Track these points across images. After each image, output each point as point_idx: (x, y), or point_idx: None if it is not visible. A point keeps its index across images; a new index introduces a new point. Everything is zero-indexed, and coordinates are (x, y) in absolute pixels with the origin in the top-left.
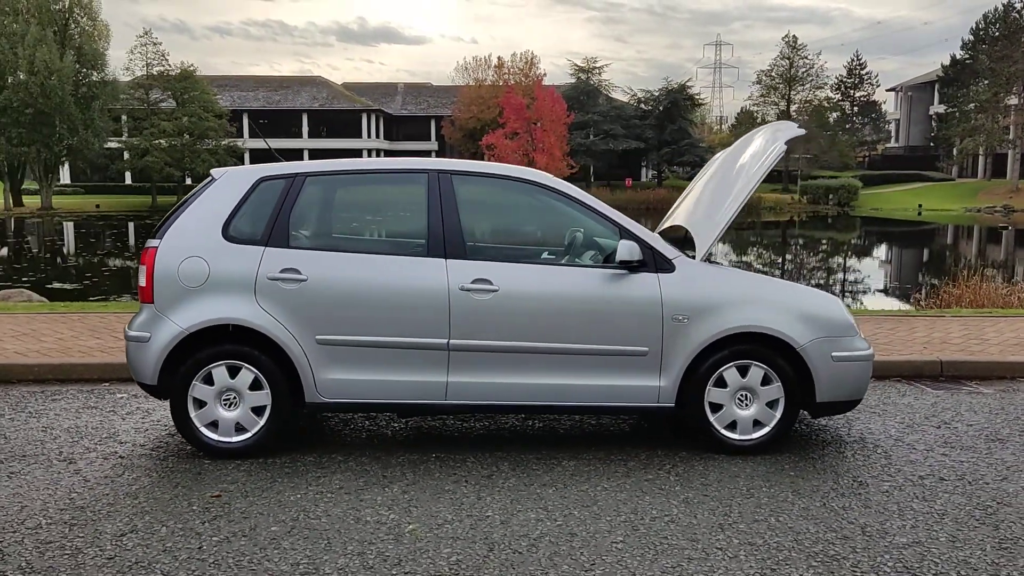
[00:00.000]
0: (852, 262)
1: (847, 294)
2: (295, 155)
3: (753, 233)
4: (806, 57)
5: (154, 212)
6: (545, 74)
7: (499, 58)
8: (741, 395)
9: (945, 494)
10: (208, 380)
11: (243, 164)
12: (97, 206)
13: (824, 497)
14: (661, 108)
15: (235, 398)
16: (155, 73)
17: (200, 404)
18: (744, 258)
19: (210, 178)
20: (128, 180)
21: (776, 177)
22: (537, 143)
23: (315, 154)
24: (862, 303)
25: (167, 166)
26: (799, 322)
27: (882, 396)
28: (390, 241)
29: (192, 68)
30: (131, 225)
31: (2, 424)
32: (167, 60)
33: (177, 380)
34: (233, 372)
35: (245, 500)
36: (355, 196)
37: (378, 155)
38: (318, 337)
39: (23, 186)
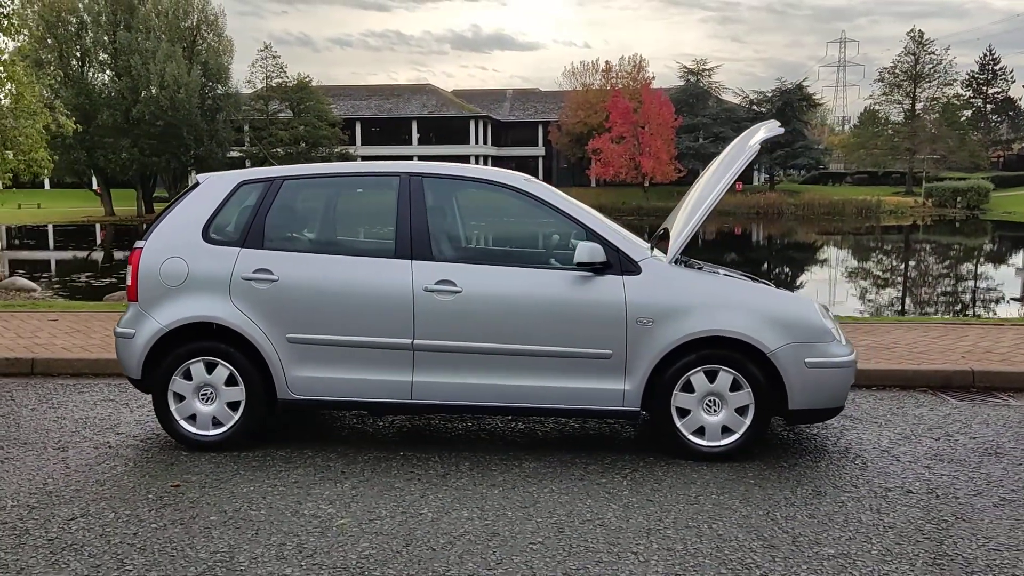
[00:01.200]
0: (985, 268)
1: (980, 303)
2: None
3: (872, 238)
4: (933, 52)
5: None
6: (654, 77)
7: (607, 62)
8: (709, 400)
9: (904, 507)
10: (187, 375)
11: None
12: None
13: (772, 506)
14: (774, 109)
15: (212, 393)
16: (274, 85)
17: (180, 398)
18: (864, 264)
19: (195, 182)
20: None
21: (899, 179)
22: (643, 147)
23: (424, 160)
24: (994, 312)
25: None
26: (770, 327)
27: (895, 406)
28: (360, 243)
29: (308, 79)
30: None
31: (22, 413)
32: (285, 72)
33: (158, 375)
34: (210, 368)
35: (200, 491)
36: (330, 199)
37: (486, 161)
38: (288, 336)
39: (154, 194)
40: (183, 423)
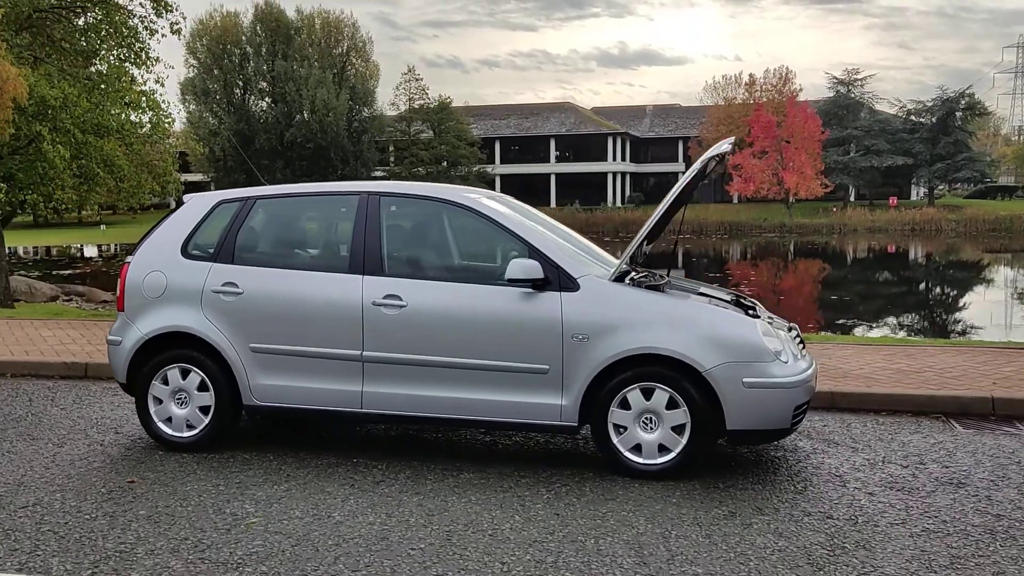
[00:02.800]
0: None
1: None
2: (543, 179)
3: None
4: None
5: None
6: (801, 89)
7: (750, 75)
8: (646, 418)
9: (809, 532)
10: (165, 380)
11: (493, 189)
12: None
13: (674, 526)
14: (934, 119)
15: (186, 397)
16: (416, 107)
17: (158, 401)
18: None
19: (181, 201)
20: None
21: None
22: (787, 161)
23: (562, 178)
24: None
25: None
26: (706, 345)
27: (889, 431)
28: (319, 258)
29: (448, 100)
30: None
31: (50, 412)
32: (427, 94)
33: (140, 379)
34: (184, 374)
35: (149, 487)
36: (298, 217)
37: (623, 177)
38: (251, 345)
39: None
40: (161, 424)
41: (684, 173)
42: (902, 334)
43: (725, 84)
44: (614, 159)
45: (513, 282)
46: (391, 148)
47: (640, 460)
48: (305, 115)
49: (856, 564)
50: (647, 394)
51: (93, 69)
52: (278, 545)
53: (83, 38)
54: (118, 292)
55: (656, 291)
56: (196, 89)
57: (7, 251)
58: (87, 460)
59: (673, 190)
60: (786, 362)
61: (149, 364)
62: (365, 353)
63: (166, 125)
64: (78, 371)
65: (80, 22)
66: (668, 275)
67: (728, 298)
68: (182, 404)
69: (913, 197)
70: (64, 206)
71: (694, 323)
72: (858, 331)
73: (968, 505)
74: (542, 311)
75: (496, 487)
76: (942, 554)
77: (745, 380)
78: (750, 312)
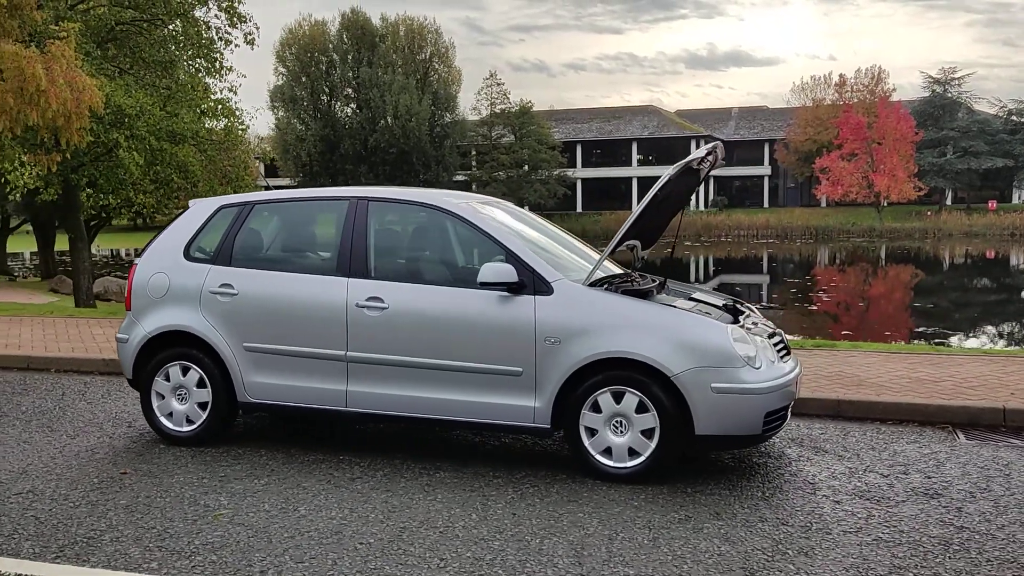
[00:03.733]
0: None
1: None
2: (624, 183)
3: None
4: None
5: None
6: (894, 89)
7: (840, 75)
8: (616, 421)
9: (756, 538)
10: (167, 377)
11: (573, 193)
12: None
13: (623, 529)
14: None
15: (185, 393)
16: (498, 111)
17: (160, 396)
18: None
19: (187, 206)
20: None
21: None
22: (877, 164)
23: (643, 181)
24: None
25: (503, 195)
26: (675, 350)
27: (885, 440)
28: (309, 261)
29: (529, 104)
30: None
31: (78, 405)
32: (508, 99)
33: (144, 375)
34: (184, 371)
35: (139, 478)
36: (293, 221)
37: (706, 181)
38: (245, 344)
39: None
40: (163, 419)
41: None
42: (1001, 344)
43: (814, 85)
44: None
45: (485, 285)
46: (473, 152)
47: (611, 463)
48: (389, 120)
49: (790, 570)
50: (617, 398)
51: (170, 79)
52: (235, 536)
53: (160, 49)
54: (126, 292)
55: (633, 296)
56: (284, 96)
57: (95, 254)
58: (92, 451)
59: (646, 197)
60: (758, 368)
61: (152, 361)
62: (349, 353)
63: (239, 132)
64: (115, 367)
65: (159, 34)
66: (665, 279)
67: (719, 303)
68: (182, 400)
69: (1015, 200)
70: (145, 210)
71: (664, 328)
72: (954, 340)
73: (934, 516)
74: (516, 314)
75: (465, 486)
76: (884, 564)
77: (714, 385)
78: (739, 318)
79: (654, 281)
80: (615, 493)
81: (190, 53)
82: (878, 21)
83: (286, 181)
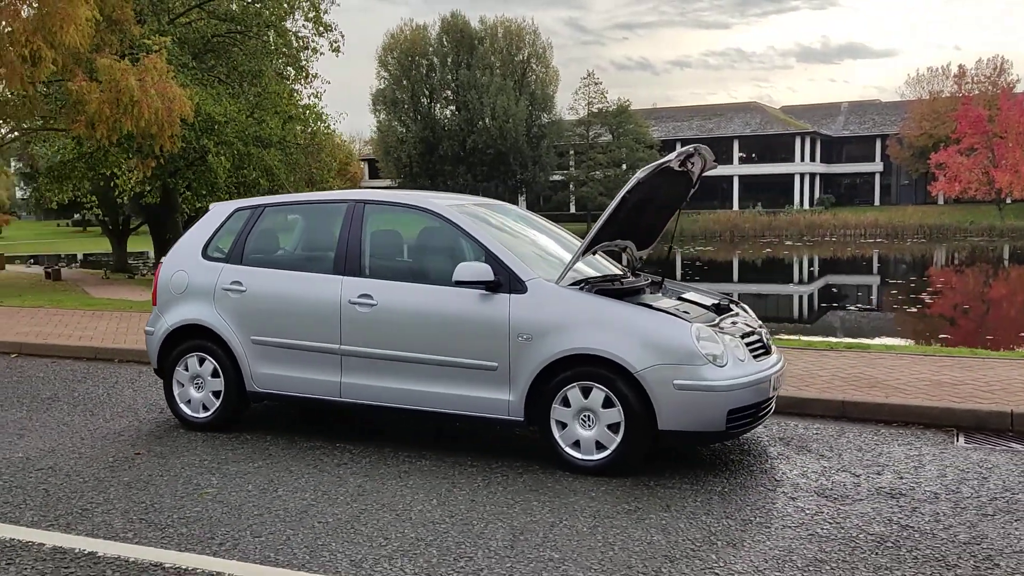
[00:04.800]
0: None
1: None
2: (725, 181)
3: None
4: None
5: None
6: (1019, 80)
7: (960, 66)
8: (585, 416)
9: (691, 530)
10: (185, 367)
11: None
12: None
13: (565, 516)
14: None
15: (202, 382)
16: (595, 111)
17: (180, 385)
18: None
19: (208, 208)
20: (572, 209)
21: None
22: (999, 159)
23: (745, 179)
24: None
25: (600, 195)
26: (639, 347)
27: (879, 441)
28: (311, 260)
29: (627, 103)
30: None
31: (124, 393)
32: (606, 97)
33: (167, 365)
34: (201, 362)
35: (149, 459)
36: (302, 223)
37: (812, 178)
38: (252, 337)
39: None
40: (182, 406)
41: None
42: None
43: (931, 77)
44: (802, 159)
45: (460, 283)
46: (571, 152)
47: (579, 456)
48: (486, 122)
49: (711, 560)
50: (585, 393)
51: (258, 87)
52: (211, 512)
53: (252, 60)
54: (153, 289)
55: (605, 295)
56: (386, 99)
57: None
58: (119, 434)
59: (615, 199)
60: (722, 366)
61: (174, 352)
62: (342, 347)
63: (322, 137)
64: None
65: (252, 44)
66: (663, 279)
67: (708, 302)
68: (199, 388)
69: None
70: None
71: (629, 326)
72: None
73: (883, 515)
74: (493, 311)
75: (440, 474)
76: (806, 556)
77: (676, 382)
78: (724, 317)
79: (647, 280)
80: (578, 484)
81: (280, 62)
82: (1008, 5)
83: (387, 182)
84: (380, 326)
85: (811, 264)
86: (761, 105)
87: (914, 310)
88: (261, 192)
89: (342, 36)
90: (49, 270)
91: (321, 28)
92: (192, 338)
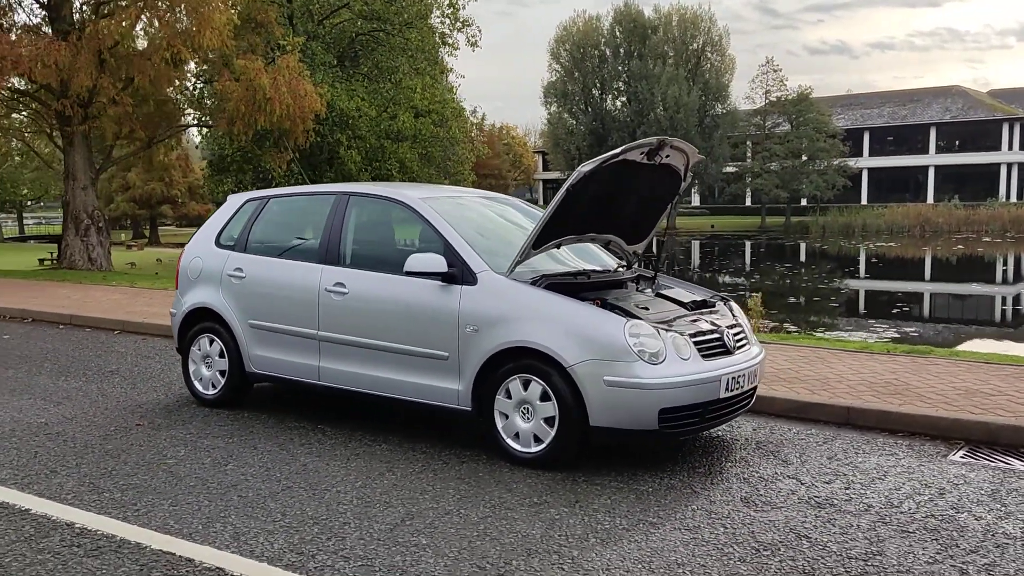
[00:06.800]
0: None
1: None
2: (920, 172)
3: None
4: None
5: (761, 232)
6: None
7: None
8: (524, 408)
9: (576, 525)
10: (199, 347)
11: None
12: (712, 226)
13: (480, 504)
14: None
15: (211, 362)
16: (773, 99)
17: (194, 363)
18: None
19: (225, 199)
20: (748, 201)
21: None
22: None
23: (942, 170)
24: None
25: (775, 187)
26: (573, 342)
27: (864, 450)
28: (300, 249)
29: (808, 91)
30: (711, 244)
31: (154, 368)
32: (785, 85)
33: (184, 344)
34: (211, 343)
35: (144, 430)
36: (298, 213)
37: (1021, 169)
38: (250, 321)
39: None
40: (195, 383)
41: None
42: None
43: None
44: (1010, 148)
45: (411, 274)
46: (748, 143)
47: (518, 447)
48: (657, 113)
49: (568, 557)
50: (525, 385)
51: (392, 83)
52: (156, 481)
53: (395, 57)
54: (175, 274)
55: (551, 290)
56: (557, 91)
57: None
58: (133, 406)
59: (559, 193)
60: (657, 364)
61: (189, 332)
62: (319, 332)
63: (458, 132)
64: None
65: (395, 42)
66: (655, 274)
67: (687, 300)
68: (209, 367)
69: None
70: None
71: (565, 321)
72: None
73: (791, 523)
74: (446, 302)
75: (385, 458)
76: (666, 560)
77: (606, 378)
78: (698, 315)
79: (634, 275)
80: (510, 475)
81: (420, 57)
82: None
83: (556, 175)
84: (350, 314)
85: (1017, 262)
86: (964, 89)
87: None
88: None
89: (479, 31)
90: None
91: (459, 24)
92: (203, 320)
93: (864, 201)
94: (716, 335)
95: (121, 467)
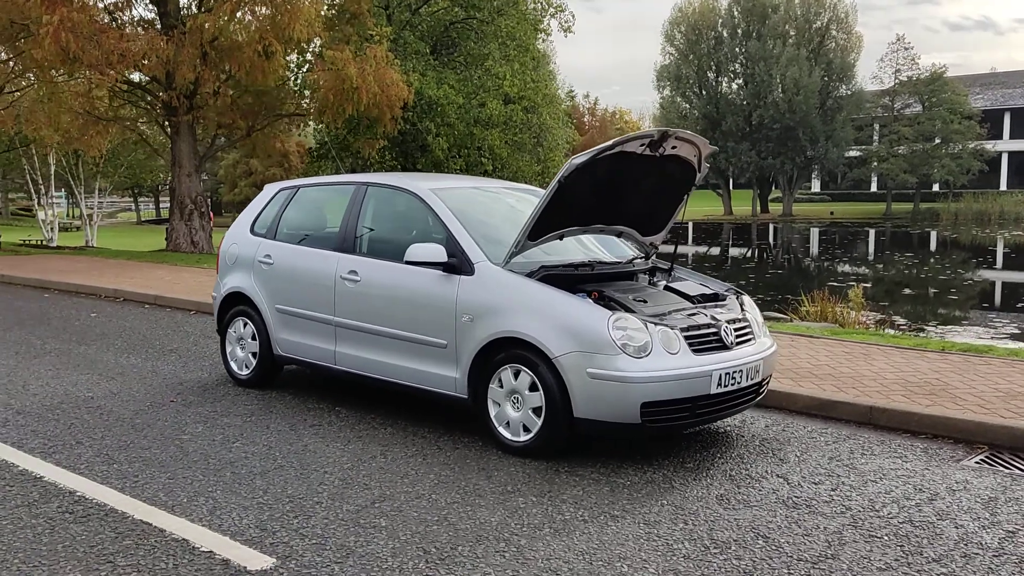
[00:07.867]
0: None
1: None
2: None
3: None
4: None
5: (886, 220)
6: None
7: None
8: (515, 397)
9: (536, 516)
10: (235, 329)
11: (991, 169)
12: (831, 213)
13: (452, 489)
14: None
15: (244, 344)
16: (903, 79)
17: (231, 344)
18: None
19: (262, 189)
20: (873, 187)
21: None
22: None
23: None
24: None
25: (903, 172)
26: (559, 334)
27: (872, 452)
28: (322, 238)
29: (942, 70)
30: (831, 232)
31: (208, 347)
32: (917, 64)
33: (222, 326)
34: (244, 325)
35: (175, 407)
36: (321, 203)
37: None
38: (276, 306)
39: (770, 196)
40: (232, 364)
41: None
42: None
43: None
44: None
45: (411, 264)
46: (874, 126)
47: (508, 436)
48: (775, 95)
49: (515, 545)
50: (516, 375)
51: (482, 70)
52: (163, 454)
53: (480, 44)
54: (216, 259)
55: (545, 282)
56: (670, 75)
57: None
58: (176, 383)
59: (551, 185)
60: (642, 358)
61: (227, 315)
62: (335, 318)
63: (549, 119)
64: None
65: (488, 29)
66: (671, 267)
67: (695, 293)
68: (243, 349)
69: None
70: None
71: (553, 312)
72: None
73: (757, 523)
74: (446, 291)
75: (384, 442)
76: (609, 553)
77: (589, 370)
78: (705, 308)
79: (647, 267)
80: (496, 463)
81: (511, 44)
82: None
83: None
84: (361, 301)
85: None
86: None
87: None
88: (482, 172)
89: (573, 17)
90: None
91: (552, 9)
92: (238, 304)
93: (1003, 187)
94: (712, 329)
95: (139, 440)
